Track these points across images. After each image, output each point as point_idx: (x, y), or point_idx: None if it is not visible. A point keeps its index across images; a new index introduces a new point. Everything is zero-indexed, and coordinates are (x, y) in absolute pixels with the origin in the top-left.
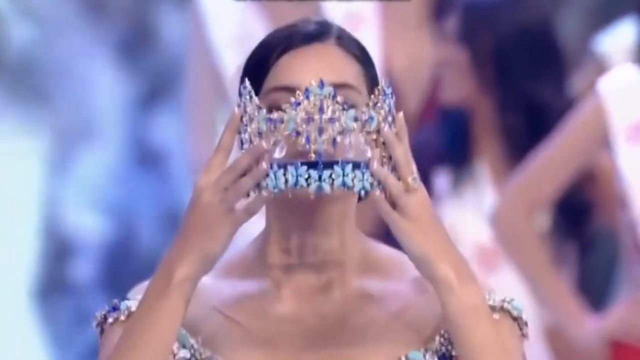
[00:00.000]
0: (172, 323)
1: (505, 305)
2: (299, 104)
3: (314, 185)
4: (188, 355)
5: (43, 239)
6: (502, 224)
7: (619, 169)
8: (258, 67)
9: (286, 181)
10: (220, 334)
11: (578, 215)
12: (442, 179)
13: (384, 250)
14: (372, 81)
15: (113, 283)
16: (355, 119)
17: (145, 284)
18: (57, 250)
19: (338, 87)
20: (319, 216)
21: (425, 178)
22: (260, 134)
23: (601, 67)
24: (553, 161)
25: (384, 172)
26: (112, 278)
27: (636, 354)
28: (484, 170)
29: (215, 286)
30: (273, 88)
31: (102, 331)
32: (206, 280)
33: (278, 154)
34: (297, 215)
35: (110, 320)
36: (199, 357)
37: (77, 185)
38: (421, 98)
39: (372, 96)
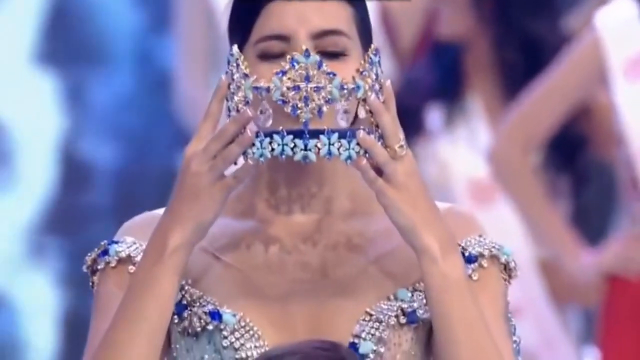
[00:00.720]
0: (171, 287)
1: (495, 251)
2: (284, 72)
3: (299, 154)
4: (179, 297)
5: (59, 166)
6: (498, 160)
7: (616, 105)
8: (247, 12)
9: (272, 150)
10: (209, 275)
11: (572, 149)
12: (434, 115)
13: None
14: (364, 26)
15: (127, 209)
16: (341, 88)
17: (132, 223)
18: (73, 178)
19: (329, 33)
20: (309, 170)
21: (418, 113)
22: (247, 102)
23: (599, 2)
24: (549, 97)
25: (371, 140)
26: (126, 204)
27: (632, 288)
28: (476, 105)
29: None
30: (264, 37)
31: (92, 272)
32: None
33: (264, 123)
34: (287, 170)
35: (101, 265)
36: (189, 298)
37: (91, 113)
38: (416, 32)
39: (360, 63)
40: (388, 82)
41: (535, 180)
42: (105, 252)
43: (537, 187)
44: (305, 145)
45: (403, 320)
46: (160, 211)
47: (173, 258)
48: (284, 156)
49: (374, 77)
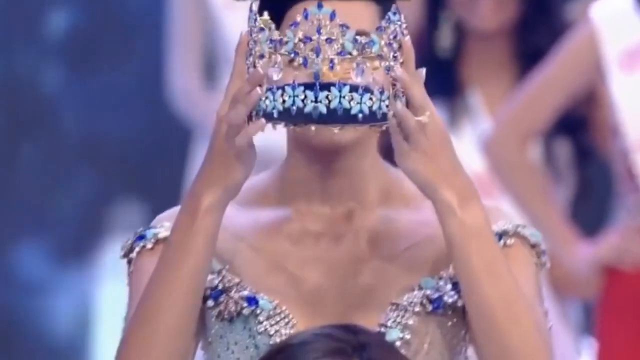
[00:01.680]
0: (205, 247)
1: (520, 230)
2: (297, 24)
3: (309, 106)
4: (216, 282)
5: None
6: (494, 153)
7: (612, 97)
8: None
9: (283, 101)
10: (244, 263)
11: (573, 135)
12: (438, 112)
13: (408, 180)
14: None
15: None
16: (355, 41)
17: (166, 214)
18: None
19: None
20: (339, 163)
21: None
22: (262, 56)
23: None
24: (545, 89)
25: (405, 112)
26: None
27: (628, 280)
28: (478, 101)
29: (237, 215)
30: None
31: (129, 261)
32: (228, 209)
33: (276, 76)
34: (318, 162)
35: (137, 249)
36: (227, 284)
37: None
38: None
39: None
40: (407, 39)
41: (533, 172)
42: (141, 237)
43: (534, 179)
44: (316, 97)
45: (429, 307)
46: None
47: (206, 219)
48: (294, 107)
49: (391, 35)
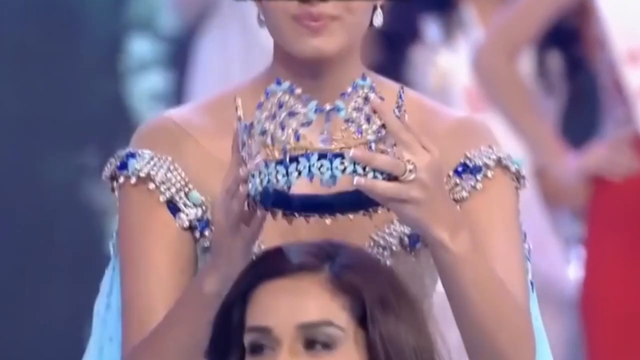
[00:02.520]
0: (195, 331)
1: (503, 161)
2: (261, 104)
3: (282, 181)
4: (200, 213)
5: None
6: (483, 65)
7: (599, 9)
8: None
9: (261, 181)
10: None
11: (564, 45)
12: (433, 27)
13: (389, 83)
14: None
15: None
16: (317, 110)
17: (145, 132)
18: None
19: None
20: (324, 75)
21: (415, 24)
22: (243, 145)
23: None
24: (535, 2)
25: (366, 155)
26: None
27: (616, 190)
28: (472, 14)
29: (220, 141)
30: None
31: (111, 179)
32: (210, 134)
33: (257, 159)
34: (302, 76)
35: (120, 179)
36: (209, 215)
37: None
38: None
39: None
40: (373, 97)
41: (521, 85)
42: (124, 166)
43: (523, 91)
44: (286, 170)
45: (406, 242)
46: (172, 112)
47: (204, 301)
48: (269, 185)
49: (361, 100)
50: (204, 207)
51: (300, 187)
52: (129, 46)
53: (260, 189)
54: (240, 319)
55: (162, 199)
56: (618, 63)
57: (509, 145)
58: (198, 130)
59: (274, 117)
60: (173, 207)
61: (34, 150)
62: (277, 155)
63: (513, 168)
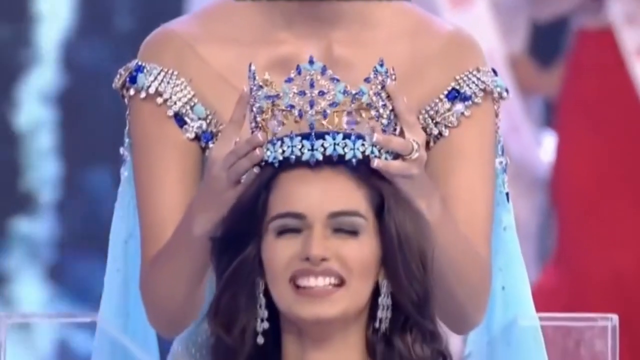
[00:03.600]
0: (194, 266)
1: (489, 87)
2: (292, 79)
3: (307, 154)
4: (204, 126)
5: None
6: None
7: None
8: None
9: (283, 152)
10: (230, 109)
11: None
12: None
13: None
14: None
15: None
16: (345, 92)
17: (151, 43)
18: None
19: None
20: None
21: None
22: (261, 111)
23: None
24: None
25: (384, 138)
26: None
27: (585, 78)
28: None
29: (220, 53)
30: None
31: (121, 88)
32: (211, 46)
33: (277, 129)
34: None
35: (131, 91)
36: (213, 128)
37: None
38: None
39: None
40: (391, 83)
41: None
42: (133, 79)
43: None
44: (312, 146)
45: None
46: (174, 24)
47: (196, 242)
48: (293, 156)
49: (379, 85)
50: (207, 120)
51: None
52: None
53: (280, 157)
54: (264, 205)
55: (169, 112)
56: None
57: (493, 36)
58: (198, 41)
59: (303, 93)
60: (180, 120)
61: None
62: (305, 129)
63: (496, 93)
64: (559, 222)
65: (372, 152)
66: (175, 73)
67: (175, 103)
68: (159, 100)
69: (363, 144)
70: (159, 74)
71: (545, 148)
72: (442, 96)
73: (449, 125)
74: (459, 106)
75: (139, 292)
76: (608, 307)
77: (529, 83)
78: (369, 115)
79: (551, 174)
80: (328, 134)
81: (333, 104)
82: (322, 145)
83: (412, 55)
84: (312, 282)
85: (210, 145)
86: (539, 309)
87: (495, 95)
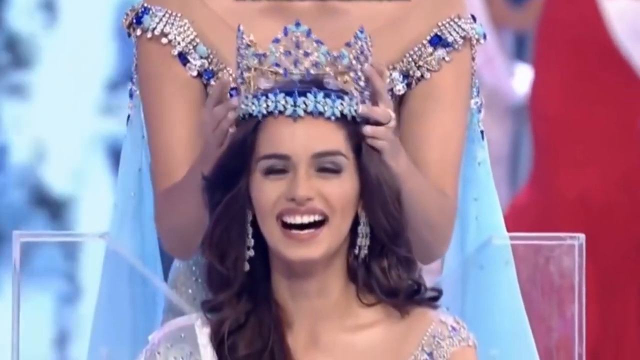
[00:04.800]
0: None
1: (469, 34)
2: (279, 40)
3: (289, 110)
4: (206, 64)
5: None
6: None
7: None
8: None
9: (267, 106)
10: (231, 51)
11: None
12: None
13: None
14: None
15: None
16: (327, 55)
17: None
18: None
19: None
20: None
21: None
22: (249, 69)
23: None
24: None
25: (367, 108)
26: None
27: (560, 13)
28: None
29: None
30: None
31: (128, 27)
32: None
33: (264, 84)
34: None
35: (137, 31)
36: (215, 67)
37: None
38: None
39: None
40: (366, 66)
41: None
42: (139, 21)
43: None
44: (295, 102)
45: None
46: None
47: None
48: (276, 111)
49: (358, 50)
50: (209, 59)
51: None
52: None
53: (265, 112)
54: (252, 146)
55: (174, 52)
56: None
57: None
58: None
59: (289, 53)
60: (183, 59)
61: None
62: (288, 87)
63: (474, 39)
64: (534, 145)
65: (349, 110)
66: (179, 15)
67: (179, 43)
68: (164, 40)
69: (342, 103)
70: (163, 15)
71: (517, 78)
72: (425, 42)
73: (430, 68)
74: (441, 52)
75: (152, 216)
76: (577, 225)
77: (502, 18)
78: (349, 78)
79: (528, 100)
80: (310, 91)
81: (316, 65)
82: (304, 102)
83: (399, 3)
84: (297, 219)
85: (212, 82)
86: (514, 225)
87: (474, 41)
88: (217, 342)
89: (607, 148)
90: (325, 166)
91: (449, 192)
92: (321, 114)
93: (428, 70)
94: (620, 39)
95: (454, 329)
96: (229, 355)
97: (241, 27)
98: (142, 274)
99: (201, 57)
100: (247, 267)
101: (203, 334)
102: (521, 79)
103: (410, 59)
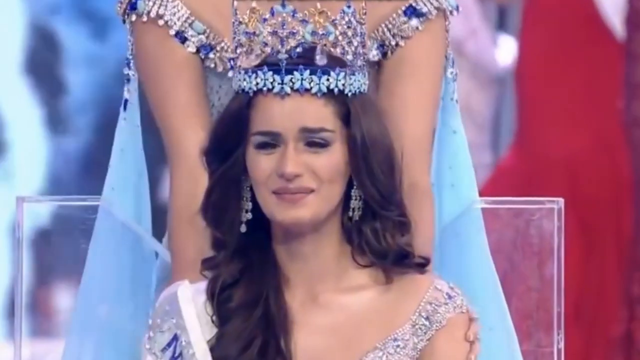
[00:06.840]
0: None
1: (442, 5)
2: (266, 20)
3: (277, 87)
4: (204, 40)
5: None
6: None
7: None
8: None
9: (257, 84)
10: (226, 27)
11: None
12: None
13: None
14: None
15: None
16: (313, 33)
17: None
18: None
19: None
20: None
21: None
22: (241, 45)
23: None
24: None
25: None
26: None
27: None
28: None
29: None
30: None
31: (123, 14)
32: None
33: (254, 61)
34: None
35: (132, 17)
36: (212, 41)
37: None
38: None
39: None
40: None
41: None
42: (133, 6)
43: None
44: (282, 80)
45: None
46: None
47: None
48: (265, 89)
49: (345, 25)
50: (206, 35)
51: None
52: None
53: (255, 88)
54: (246, 121)
55: (171, 32)
56: None
57: None
58: None
59: (276, 33)
60: (181, 37)
61: None
62: (276, 64)
63: (448, 11)
64: (519, 108)
65: (336, 85)
66: None
67: (175, 23)
68: (160, 22)
69: (328, 79)
70: (155, 1)
71: (501, 49)
72: (400, 12)
73: (404, 36)
74: (414, 21)
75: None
76: (559, 186)
77: None
78: (335, 53)
79: (511, 69)
80: (297, 69)
81: (302, 43)
82: (291, 80)
83: None
84: (287, 197)
85: (211, 55)
86: (499, 189)
87: (447, 13)
88: (211, 295)
89: (589, 111)
90: (314, 140)
91: (419, 178)
92: (307, 90)
93: (402, 37)
94: (604, 10)
95: (449, 296)
96: (222, 306)
97: (235, 3)
98: (136, 232)
99: (198, 33)
100: (244, 228)
101: (185, 296)
102: (504, 50)
103: (385, 29)
